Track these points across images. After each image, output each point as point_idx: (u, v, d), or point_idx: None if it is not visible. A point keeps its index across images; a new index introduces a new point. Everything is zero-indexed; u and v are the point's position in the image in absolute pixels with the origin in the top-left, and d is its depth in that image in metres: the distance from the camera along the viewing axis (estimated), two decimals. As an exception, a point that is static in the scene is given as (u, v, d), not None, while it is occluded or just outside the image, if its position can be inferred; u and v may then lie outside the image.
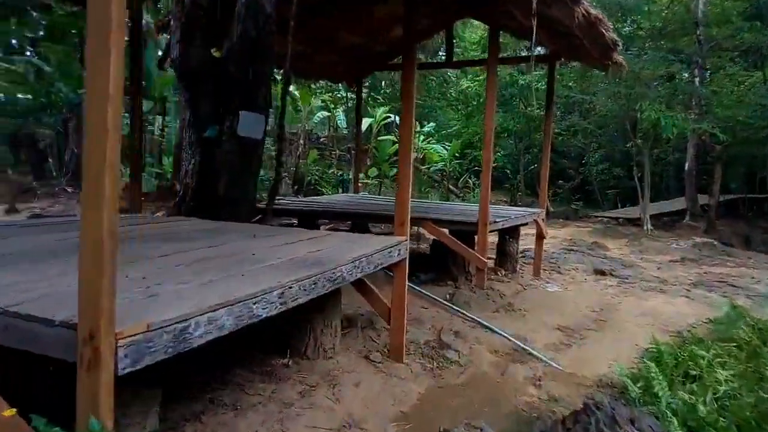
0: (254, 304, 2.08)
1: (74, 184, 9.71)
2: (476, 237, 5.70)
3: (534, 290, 6.35)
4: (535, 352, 4.17)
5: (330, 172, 17.49)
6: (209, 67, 5.34)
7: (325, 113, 17.96)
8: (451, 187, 20.47)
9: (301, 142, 17.16)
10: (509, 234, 6.74)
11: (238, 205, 5.40)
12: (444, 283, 5.76)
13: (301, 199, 8.68)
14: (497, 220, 5.75)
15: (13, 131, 11.97)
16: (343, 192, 14.62)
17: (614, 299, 6.27)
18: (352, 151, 20.83)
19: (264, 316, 2.14)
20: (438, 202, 11.31)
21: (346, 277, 2.79)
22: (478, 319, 4.68)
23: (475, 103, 18.03)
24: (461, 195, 20.17)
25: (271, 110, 6.28)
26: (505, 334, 4.43)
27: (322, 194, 14.74)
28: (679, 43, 14.12)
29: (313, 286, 2.47)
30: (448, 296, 5.26)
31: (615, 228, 13.63)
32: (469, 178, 20.38)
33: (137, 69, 4.97)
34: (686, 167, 15.39)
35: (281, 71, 7.78)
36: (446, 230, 5.74)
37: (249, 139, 5.39)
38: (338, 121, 17.69)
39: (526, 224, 7.09)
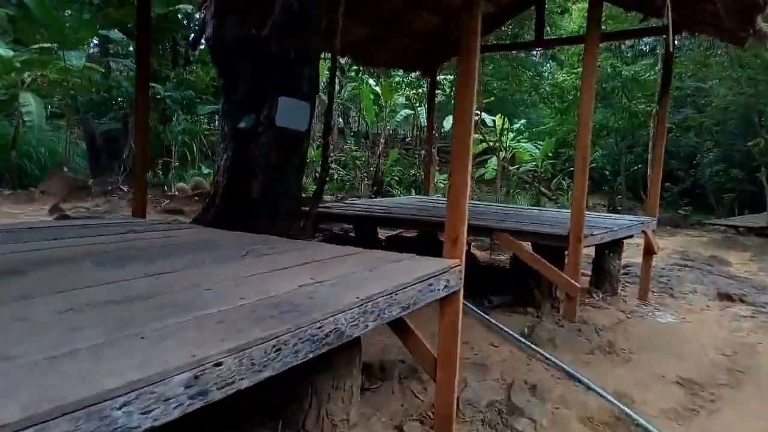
0: (117, 408, 1.09)
1: (130, 182, 9.40)
2: (567, 253, 4.45)
3: (641, 321, 4.97)
4: (646, 425, 2.91)
5: (411, 172, 16.52)
6: (246, 46, 4.50)
7: (408, 111, 17.00)
8: (542, 189, 18.82)
9: (382, 141, 16.31)
10: (609, 248, 5.38)
11: (277, 209, 4.52)
12: (523, 311, 4.55)
13: (355, 202, 7.60)
14: (595, 232, 4.46)
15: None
16: (416, 194, 13.54)
17: (751, 337, 4.77)
18: (434, 151, 19.79)
19: (145, 427, 1.15)
20: (522, 206, 9.92)
21: (346, 332, 1.75)
22: (566, 368, 3.46)
23: (571, 97, 16.30)
24: (554, 198, 18.45)
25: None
26: (604, 393, 3.20)
27: (393, 196, 13.76)
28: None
29: (272, 356, 1.45)
30: (526, 330, 4.06)
31: (735, 239, 11.55)
32: (563, 179, 18.62)
33: (145, 63, 4.22)
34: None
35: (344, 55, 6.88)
36: (528, 244, 4.53)
37: (290, 131, 4.48)
38: (421, 119, 16.65)
39: (632, 236, 5.69)
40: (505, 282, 5.05)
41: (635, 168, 17.30)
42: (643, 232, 5.41)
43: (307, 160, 9.08)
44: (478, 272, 5.43)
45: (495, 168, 16.75)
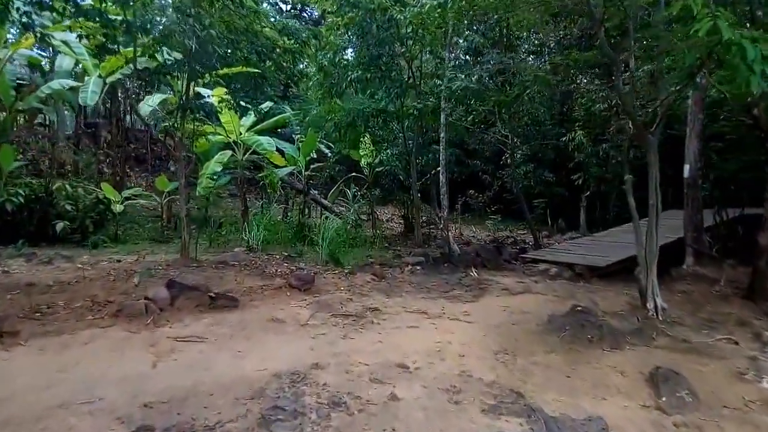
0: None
1: None
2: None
3: None
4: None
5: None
6: None
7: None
8: (320, 199, 12.15)
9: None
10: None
11: None
12: None
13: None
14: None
15: None
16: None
17: None
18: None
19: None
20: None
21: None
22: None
23: (336, 72, 9.55)
24: (339, 213, 11.85)
25: None
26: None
27: None
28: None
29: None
30: None
31: (575, 313, 5.39)
32: (347, 187, 12.16)
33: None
34: (687, 170, 7.68)
35: None
36: None
37: None
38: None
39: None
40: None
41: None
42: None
43: None
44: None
45: (219, 170, 9.26)
